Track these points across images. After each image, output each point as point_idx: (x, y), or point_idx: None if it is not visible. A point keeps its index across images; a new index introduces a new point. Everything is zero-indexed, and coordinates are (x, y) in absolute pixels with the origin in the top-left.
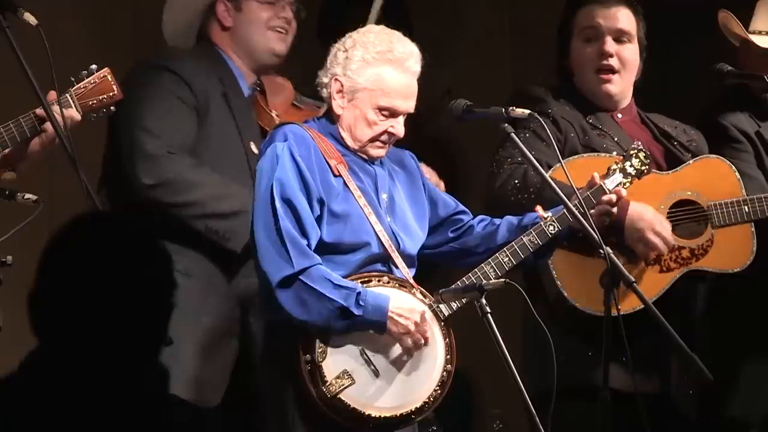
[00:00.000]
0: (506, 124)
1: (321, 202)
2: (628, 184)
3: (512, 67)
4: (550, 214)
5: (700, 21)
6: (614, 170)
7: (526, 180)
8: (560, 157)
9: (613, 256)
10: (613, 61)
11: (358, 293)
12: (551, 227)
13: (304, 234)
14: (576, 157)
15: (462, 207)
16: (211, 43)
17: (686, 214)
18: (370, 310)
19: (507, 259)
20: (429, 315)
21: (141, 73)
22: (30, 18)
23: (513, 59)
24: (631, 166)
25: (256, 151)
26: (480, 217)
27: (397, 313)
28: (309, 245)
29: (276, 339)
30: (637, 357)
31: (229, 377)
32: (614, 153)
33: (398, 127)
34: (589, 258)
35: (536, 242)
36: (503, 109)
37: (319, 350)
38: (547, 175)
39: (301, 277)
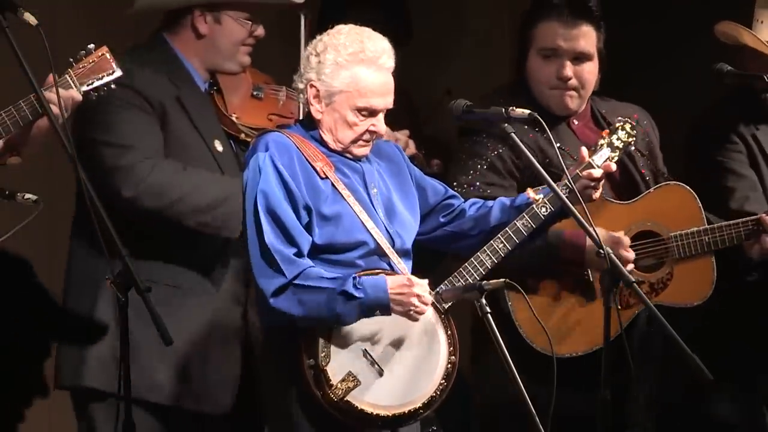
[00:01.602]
0: (506, 124)
1: (308, 209)
2: (616, 158)
3: (512, 67)
4: (541, 196)
5: (700, 21)
6: (601, 145)
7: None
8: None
9: (612, 256)
10: (571, 83)
11: (354, 277)
12: (543, 209)
13: (292, 242)
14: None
15: (452, 191)
16: (162, 40)
17: (647, 247)
18: (370, 290)
19: (502, 245)
20: (429, 309)
21: (95, 96)
22: (30, 18)
23: (513, 59)
24: (618, 138)
25: (221, 149)
26: (472, 200)
27: (398, 292)
28: (300, 253)
29: (277, 344)
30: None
31: (238, 381)
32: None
33: (379, 125)
34: (546, 300)
35: (530, 225)
36: (503, 109)
37: (322, 354)
38: (543, 173)
39: (295, 281)
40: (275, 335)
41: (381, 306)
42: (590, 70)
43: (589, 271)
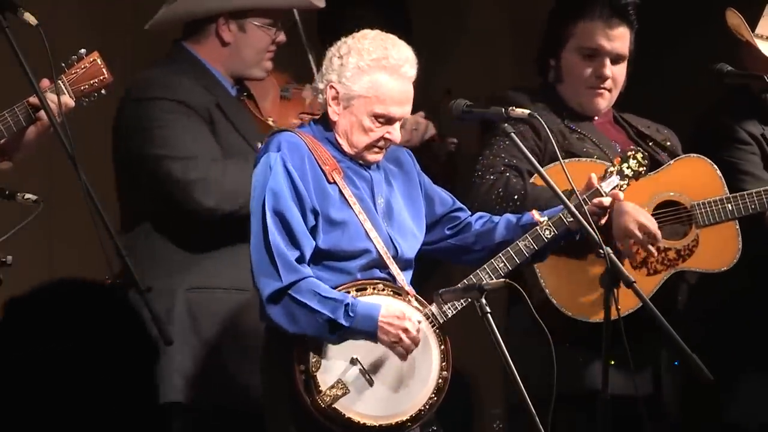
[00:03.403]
0: (506, 124)
1: (315, 212)
2: (625, 186)
3: (512, 67)
4: (546, 218)
5: (700, 20)
6: (611, 172)
7: (508, 189)
8: (538, 166)
9: (613, 255)
10: (608, 83)
11: (347, 304)
12: (547, 231)
13: (296, 246)
14: (555, 163)
15: (459, 204)
16: (186, 51)
17: (670, 216)
18: (360, 320)
19: (502, 264)
20: (424, 324)
21: (135, 111)
22: (30, 18)
23: (513, 59)
24: (629, 167)
25: None
26: (479, 214)
27: (387, 322)
28: (302, 257)
29: (273, 346)
30: (627, 359)
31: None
32: (594, 156)
33: (394, 133)
34: (575, 263)
35: (532, 247)
36: (503, 109)
37: (313, 360)
38: (547, 176)
39: (290, 291)
40: (273, 337)
41: (367, 335)
42: (622, 72)
43: (605, 249)
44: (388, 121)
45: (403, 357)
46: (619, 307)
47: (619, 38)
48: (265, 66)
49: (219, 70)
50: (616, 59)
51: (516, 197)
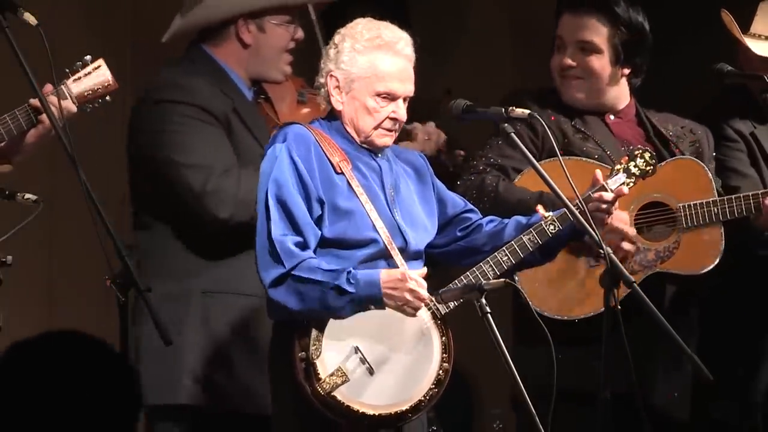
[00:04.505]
0: (506, 124)
1: (321, 202)
2: (631, 184)
3: (512, 67)
4: (551, 213)
5: (700, 20)
6: (618, 170)
7: (482, 189)
8: (535, 160)
9: (613, 255)
10: (574, 72)
11: (348, 272)
12: (551, 226)
13: (298, 233)
14: (547, 161)
15: (470, 206)
16: (204, 53)
17: (655, 216)
18: (363, 286)
19: (506, 258)
20: (426, 315)
21: (153, 112)
22: (30, 18)
23: (513, 59)
24: (635, 166)
25: None
26: (490, 217)
27: (391, 286)
28: (305, 244)
29: (278, 339)
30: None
31: None
32: (596, 156)
33: (400, 111)
34: (567, 270)
35: (536, 241)
36: (503, 109)
37: (314, 347)
38: (545, 174)
39: (292, 272)
40: (279, 331)
41: (374, 301)
42: (599, 61)
43: (605, 249)
44: (392, 98)
45: (414, 315)
46: (582, 310)
47: (584, 27)
48: (283, 68)
49: (238, 72)
50: (582, 48)
51: (486, 198)
